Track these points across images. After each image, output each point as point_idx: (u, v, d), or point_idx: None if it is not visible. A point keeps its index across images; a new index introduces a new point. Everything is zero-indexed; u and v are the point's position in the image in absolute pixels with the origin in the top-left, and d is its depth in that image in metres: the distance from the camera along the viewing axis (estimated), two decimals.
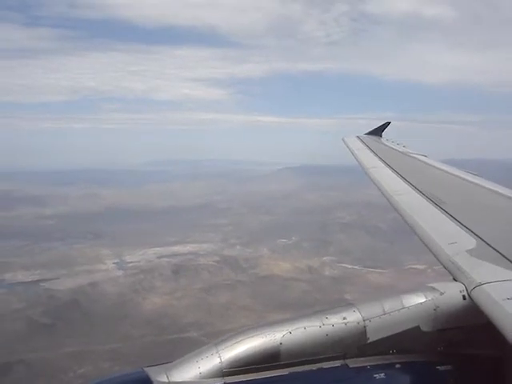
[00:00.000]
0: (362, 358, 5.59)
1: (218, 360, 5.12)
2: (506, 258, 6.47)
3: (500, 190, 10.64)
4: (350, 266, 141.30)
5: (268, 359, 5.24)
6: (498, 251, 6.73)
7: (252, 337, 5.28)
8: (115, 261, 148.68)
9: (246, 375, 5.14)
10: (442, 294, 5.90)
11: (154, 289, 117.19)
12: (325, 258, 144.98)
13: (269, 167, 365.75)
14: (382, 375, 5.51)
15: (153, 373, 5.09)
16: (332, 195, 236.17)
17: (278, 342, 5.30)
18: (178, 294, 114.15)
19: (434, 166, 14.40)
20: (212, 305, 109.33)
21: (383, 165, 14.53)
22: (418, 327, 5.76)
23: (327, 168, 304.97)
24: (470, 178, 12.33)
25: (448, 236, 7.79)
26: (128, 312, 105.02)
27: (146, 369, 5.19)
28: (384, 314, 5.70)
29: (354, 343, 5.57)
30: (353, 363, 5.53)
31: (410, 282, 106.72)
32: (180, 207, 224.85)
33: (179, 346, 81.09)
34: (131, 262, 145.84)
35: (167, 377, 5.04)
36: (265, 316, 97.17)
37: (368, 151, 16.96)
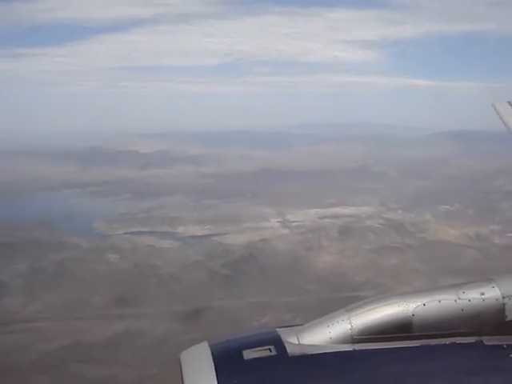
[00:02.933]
0: (498, 337, 5.30)
1: (348, 326, 5.17)
2: None
3: None
4: None
5: (399, 329, 5.17)
6: None
7: (384, 306, 5.25)
8: (279, 219, 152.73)
9: (375, 343, 5.12)
10: None
11: (322, 247, 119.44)
12: (491, 227, 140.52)
13: (421, 132, 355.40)
14: None
15: (284, 334, 5.26)
16: (488, 162, 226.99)
17: (411, 313, 5.20)
18: (347, 254, 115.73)
19: None
20: (382, 266, 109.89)
21: None
22: None
23: (482, 134, 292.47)
24: None
25: None
26: (301, 268, 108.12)
27: (278, 329, 5.36)
28: None
29: (491, 321, 5.30)
30: (488, 341, 5.27)
31: None
32: (333, 170, 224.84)
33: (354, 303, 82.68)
34: (295, 222, 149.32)
35: (298, 339, 5.20)
36: (437, 281, 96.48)
37: None
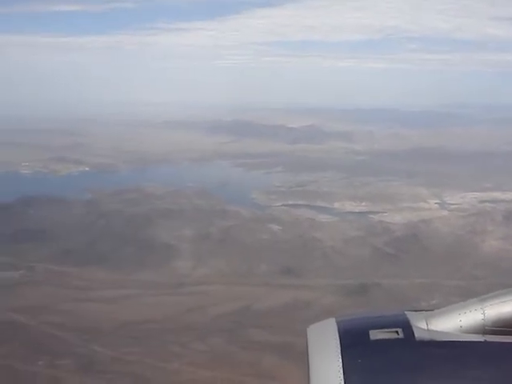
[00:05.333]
0: None
1: (481, 316, 4.80)
2: None
3: None
4: None
5: None
6: None
7: None
8: (436, 201, 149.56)
9: (508, 336, 4.74)
10: None
11: (487, 232, 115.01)
12: None
13: None
14: None
15: (413, 317, 5.02)
16: None
17: None
18: None
19: None
20: None
21: None
22: None
23: None
24: None
25: None
26: (467, 252, 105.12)
27: (407, 312, 5.14)
28: None
29: None
30: None
31: None
32: (488, 152, 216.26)
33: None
34: (453, 204, 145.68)
35: (427, 324, 4.94)
36: None
37: None
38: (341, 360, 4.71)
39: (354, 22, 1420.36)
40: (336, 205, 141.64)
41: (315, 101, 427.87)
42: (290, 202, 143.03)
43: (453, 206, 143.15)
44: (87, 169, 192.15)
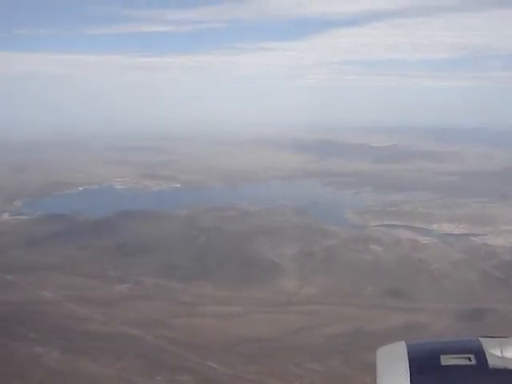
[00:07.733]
0: None
1: None
2: None
3: None
4: None
5: None
6: None
7: None
8: None
9: None
10: None
11: None
12: None
13: None
14: None
15: (487, 344, 4.87)
16: None
17: None
18: None
19: None
20: None
21: None
22: None
23: None
24: None
25: None
26: None
27: (481, 339, 5.00)
28: None
29: None
30: None
31: None
32: None
33: None
34: None
35: (501, 351, 4.75)
36: None
37: None
38: None
39: (438, 39, 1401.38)
40: (434, 226, 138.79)
41: (397, 120, 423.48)
42: (386, 223, 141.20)
43: None
44: (178, 185, 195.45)
